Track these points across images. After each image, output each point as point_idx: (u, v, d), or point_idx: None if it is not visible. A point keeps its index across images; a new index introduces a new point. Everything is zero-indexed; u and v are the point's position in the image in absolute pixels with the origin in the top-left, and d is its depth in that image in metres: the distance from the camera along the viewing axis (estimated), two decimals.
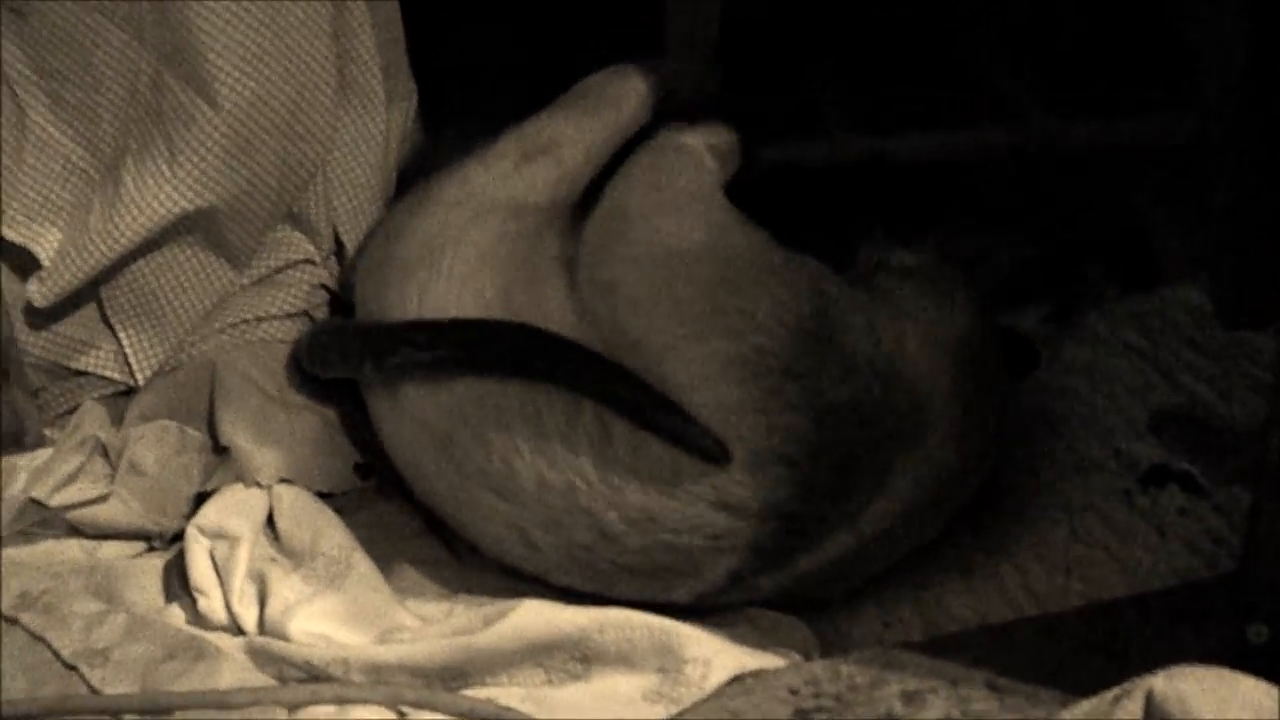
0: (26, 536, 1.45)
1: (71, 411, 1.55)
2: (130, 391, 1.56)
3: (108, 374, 1.56)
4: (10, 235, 1.49)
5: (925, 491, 1.33)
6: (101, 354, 1.56)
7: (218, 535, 1.40)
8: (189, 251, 1.53)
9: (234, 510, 1.41)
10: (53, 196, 1.50)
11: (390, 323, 1.40)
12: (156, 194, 1.46)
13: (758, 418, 1.28)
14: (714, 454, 1.27)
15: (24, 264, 1.53)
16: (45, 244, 1.49)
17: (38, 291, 1.50)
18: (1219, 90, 1.52)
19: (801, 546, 1.30)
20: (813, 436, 1.28)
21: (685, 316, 1.32)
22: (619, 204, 1.42)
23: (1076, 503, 1.46)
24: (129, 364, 1.56)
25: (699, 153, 1.46)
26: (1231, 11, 1.48)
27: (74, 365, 1.56)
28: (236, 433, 1.46)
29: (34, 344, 1.55)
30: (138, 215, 1.47)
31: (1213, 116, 1.53)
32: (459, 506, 1.35)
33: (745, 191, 1.46)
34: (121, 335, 1.55)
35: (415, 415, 1.36)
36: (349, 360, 1.43)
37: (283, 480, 1.44)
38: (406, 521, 1.43)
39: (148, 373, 1.56)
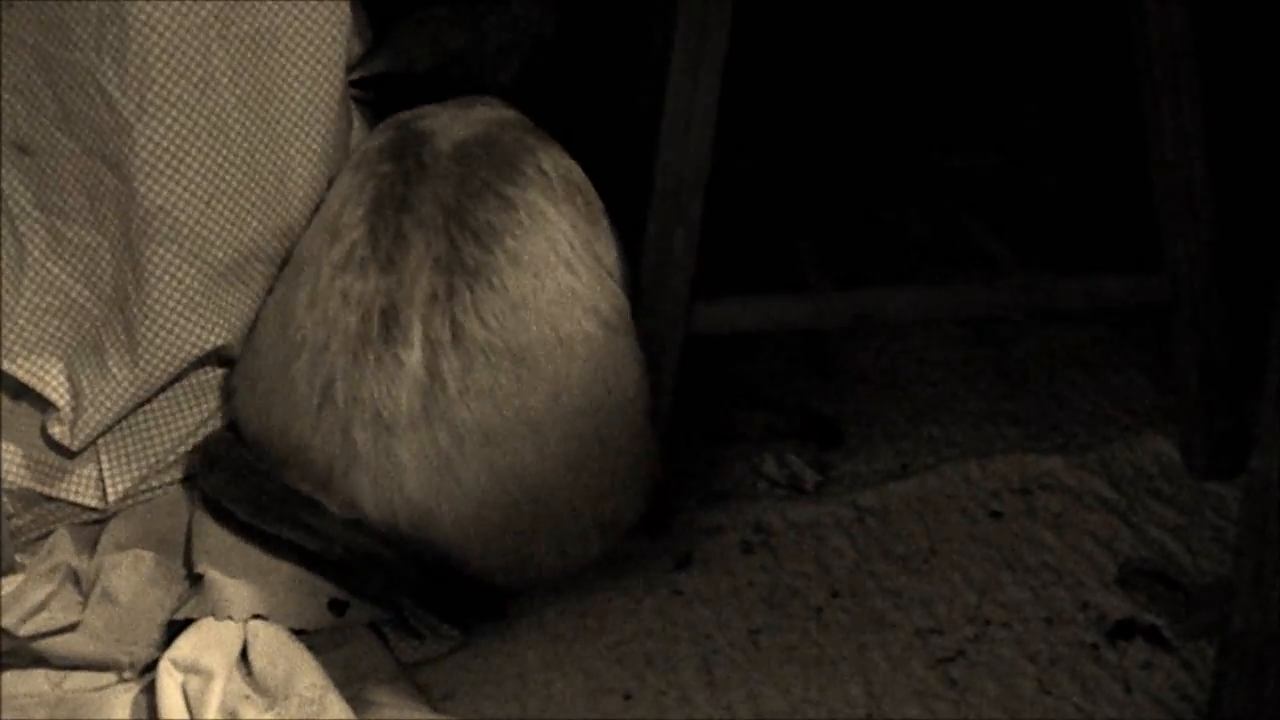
0: None
1: (44, 537, 1.56)
2: (105, 519, 1.56)
3: (83, 501, 1.57)
4: (9, 368, 1.51)
5: None
6: (78, 479, 1.57)
7: (191, 669, 1.39)
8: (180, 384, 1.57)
9: (209, 644, 1.40)
10: (52, 330, 1.52)
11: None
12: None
13: None
14: None
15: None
16: (51, 381, 1.52)
17: (68, 434, 1.53)
18: (1186, 255, 1.56)
19: None
20: None
21: None
22: None
23: (1044, 655, 1.46)
24: (104, 487, 1.56)
25: None
26: (1199, 183, 1.52)
27: (50, 492, 1.56)
28: (211, 566, 1.46)
29: (8, 469, 1.55)
30: (162, 355, 1.50)
31: (1181, 279, 1.57)
32: None
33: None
34: (104, 456, 1.56)
35: None
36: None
37: (257, 615, 1.43)
38: (381, 662, 1.42)
39: (120, 492, 1.56)
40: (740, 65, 1.49)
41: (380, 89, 1.71)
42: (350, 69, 1.69)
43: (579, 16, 1.87)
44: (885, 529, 1.61)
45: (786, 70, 1.86)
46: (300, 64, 1.54)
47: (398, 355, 1.43)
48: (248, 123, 1.51)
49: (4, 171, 1.49)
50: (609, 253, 1.55)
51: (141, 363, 1.52)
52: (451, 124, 1.56)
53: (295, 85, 1.55)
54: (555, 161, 1.55)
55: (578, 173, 1.57)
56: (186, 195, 1.50)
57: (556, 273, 1.48)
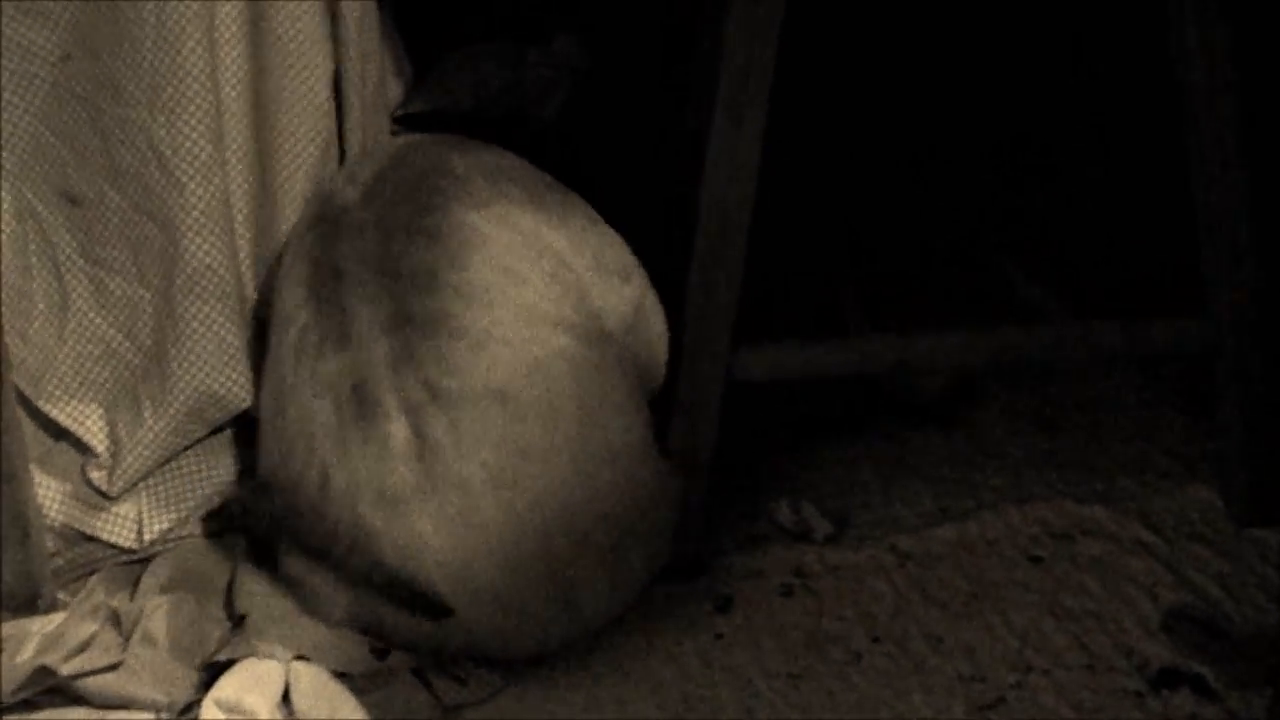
0: (30, 705, 1.44)
1: (86, 576, 1.56)
2: (147, 559, 1.56)
3: (117, 541, 1.57)
4: (50, 411, 1.52)
5: None
6: (115, 519, 1.57)
7: (234, 709, 1.39)
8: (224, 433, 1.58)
9: (251, 685, 1.40)
10: (92, 376, 1.53)
11: None
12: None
13: None
14: None
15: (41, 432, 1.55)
16: (91, 426, 1.53)
17: (106, 479, 1.53)
18: (1230, 302, 1.55)
19: None
20: None
21: None
22: None
23: (1088, 703, 1.45)
24: (140, 528, 1.57)
25: None
26: (1243, 231, 1.52)
27: (87, 530, 1.56)
28: (254, 606, 1.46)
29: (49, 506, 1.56)
30: (195, 411, 1.52)
31: (1225, 326, 1.56)
32: None
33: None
34: (144, 497, 1.56)
35: None
36: None
37: (299, 657, 1.43)
38: (423, 705, 1.42)
39: (156, 534, 1.56)
40: (780, 107, 1.49)
41: (423, 127, 1.72)
42: (393, 109, 1.70)
43: (621, 50, 1.88)
44: (925, 573, 1.60)
45: (826, 115, 1.87)
46: (294, 123, 1.56)
47: (381, 430, 1.39)
48: (259, 183, 1.54)
49: (52, 221, 1.51)
50: (561, 230, 1.49)
51: (174, 416, 1.53)
52: (355, 169, 1.52)
53: (291, 142, 1.57)
54: (471, 159, 1.50)
55: (505, 159, 1.51)
56: (231, 255, 1.51)
57: (507, 293, 1.43)
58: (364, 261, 1.42)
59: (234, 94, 1.50)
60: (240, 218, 1.53)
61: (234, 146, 1.51)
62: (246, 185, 1.53)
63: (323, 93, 1.55)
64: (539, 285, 1.45)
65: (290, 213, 1.58)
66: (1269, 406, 1.59)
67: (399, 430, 1.38)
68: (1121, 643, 1.52)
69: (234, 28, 1.49)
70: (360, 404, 1.39)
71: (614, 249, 1.55)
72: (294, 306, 1.45)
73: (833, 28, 1.82)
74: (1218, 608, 1.55)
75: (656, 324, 1.58)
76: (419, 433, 1.38)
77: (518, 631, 1.44)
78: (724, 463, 1.59)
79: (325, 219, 1.48)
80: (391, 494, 1.38)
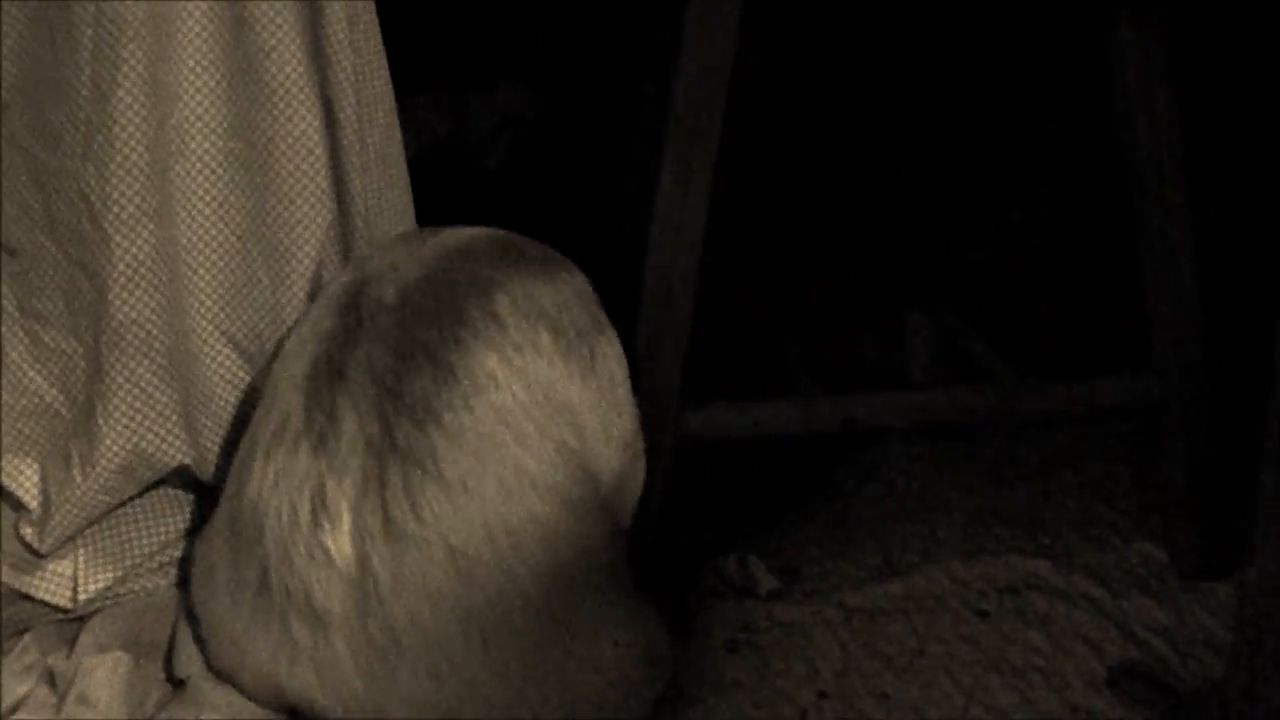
0: None
1: (21, 633, 1.53)
2: (86, 617, 1.54)
3: (52, 600, 1.54)
4: None
5: None
6: (51, 577, 1.54)
7: None
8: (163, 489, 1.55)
9: None
10: (26, 431, 1.51)
11: None
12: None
13: None
14: None
15: None
16: (24, 482, 1.50)
17: (37, 536, 1.50)
18: (1177, 361, 1.56)
19: None
20: None
21: None
22: None
23: None
24: (76, 587, 1.54)
25: None
26: (1189, 292, 1.53)
27: (21, 587, 1.54)
28: (194, 668, 1.44)
29: None
30: (122, 469, 1.49)
31: (1172, 383, 1.57)
32: None
33: None
34: (81, 555, 1.54)
35: None
36: None
37: None
38: None
39: (92, 593, 1.54)
40: (727, 166, 1.49)
41: None
42: None
43: (568, 97, 1.88)
44: (872, 629, 1.60)
45: (772, 169, 1.87)
46: (291, 179, 1.53)
47: (327, 547, 1.33)
48: (232, 239, 1.50)
49: None
50: (581, 388, 1.43)
51: (102, 474, 1.50)
52: (405, 261, 1.43)
53: (288, 203, 1.53)
54: (517, 295, 1.42)
55: (549, 298, 1.44)
56: (164, 310, 1.49)
57: (503, 451, 1.35)
58: (371, 373, 1.35)
59: (210, 145, 1.48)
60: (190, 274, 1.50)
61: (181, 198, 1.49)
62: (222, 239, 1.50)
63: (315, 140, 1.51)
64: (541, 450, 1.38)
65: (296, 266, 1.54)
66: (1214, 462, 1.61)
67: (344, 552, 1.33)
68: (1067, 699, 1.52)
69: (217, 77, 1.46)
70: (315, 514, 1.34)
71: (624, 418, 1.49)
72: (287, 390, 1.39)
73: (771, 78, 1.82)
74: (1164, 663, 1.55)
75: (638, 482, 1.53)
76: (362, 561, 1.33)
77: None
78: (673, 518, 1.58)
79: (353, 310, 1.40)
80: (321, 611, 1.33)
